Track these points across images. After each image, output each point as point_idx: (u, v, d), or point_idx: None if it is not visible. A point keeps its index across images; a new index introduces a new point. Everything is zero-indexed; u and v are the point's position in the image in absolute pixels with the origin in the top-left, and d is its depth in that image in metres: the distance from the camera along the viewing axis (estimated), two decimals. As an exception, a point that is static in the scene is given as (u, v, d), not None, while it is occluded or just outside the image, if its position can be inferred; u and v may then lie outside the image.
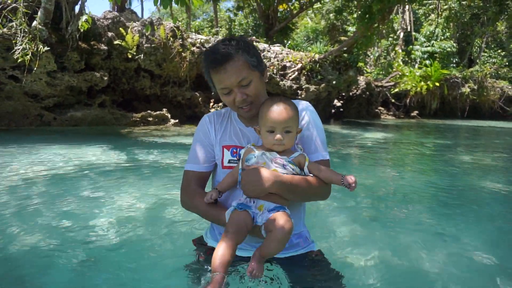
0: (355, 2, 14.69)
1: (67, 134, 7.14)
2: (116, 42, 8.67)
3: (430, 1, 22.76)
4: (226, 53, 1.34)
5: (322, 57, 12.39)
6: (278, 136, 1.34)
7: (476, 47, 24.89)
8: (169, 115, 9.47)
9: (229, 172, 1.44)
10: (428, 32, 21.25)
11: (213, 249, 1.52)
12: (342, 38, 21.28)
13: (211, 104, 11.96)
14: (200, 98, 10.82)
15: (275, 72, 11.71)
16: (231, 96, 1.40)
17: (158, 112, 9.31)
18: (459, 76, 18.90)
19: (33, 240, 2.17)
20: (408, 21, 21.97)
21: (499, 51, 24.01)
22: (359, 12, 11.49)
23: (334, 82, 12.10)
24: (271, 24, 19.02)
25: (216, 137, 1.53)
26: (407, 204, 3.42)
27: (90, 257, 1.99)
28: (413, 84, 17.07)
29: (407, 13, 21.85)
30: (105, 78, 8.24)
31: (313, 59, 12.19)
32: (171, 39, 9.60)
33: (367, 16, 10.71)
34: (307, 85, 11.89)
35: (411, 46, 20.81)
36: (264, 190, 1.30)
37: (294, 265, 1.45)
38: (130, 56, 8.93)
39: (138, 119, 8.97)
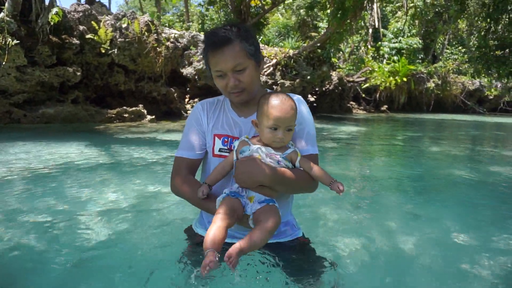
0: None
1: (40, 132, 6.87)
2: (88, 36, 8.41)
3: (396, -1, 23.54)
4: (226, 37, 1.36)
5: (296, 52, 12.57)
6: (281, 135, 1.35)
7: (439, 44, 26.04)
8: (145, 111, 9.30)
9: (218, 165, 1.45)
10: (395, 29, 22.00)
11: (203, 237, 1.54)
12: (313, 34, 21.61)
13: (187, 100, 11.87)
14: (176, 94, 10.70)
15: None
16: (224, 81, 1.42)
17: (134, 108, 9.12)
18: (425, 71, 19.77)
19: (17, 241, 2.10)
20: (376, 18, 22.62)
21: (460, 48, 25.24)
22: (332, 8, 11.74)
23: (308, 77, 12.33)
24: (244, 19, 18.95)
25: (208, 125, 1.54)
26: (385, 192, 3.63)
27: (78, 256, 1.94)
28: (382, 80, 17.68)
29: (375, 10, 22.49)
30: (78, 73, 7.99)
31: (288, 55, 12.35)
32: (146, 33, 9.43)
33: (340, 12, 10.97)
34: (282, 81, 12.05)
35: (379, 43, 21.46)
36: (257, 181, 1.33)
37: (282, 250, 1.49)
38: (103, 51, 8.68)
39: (113, 115, 8.75)
